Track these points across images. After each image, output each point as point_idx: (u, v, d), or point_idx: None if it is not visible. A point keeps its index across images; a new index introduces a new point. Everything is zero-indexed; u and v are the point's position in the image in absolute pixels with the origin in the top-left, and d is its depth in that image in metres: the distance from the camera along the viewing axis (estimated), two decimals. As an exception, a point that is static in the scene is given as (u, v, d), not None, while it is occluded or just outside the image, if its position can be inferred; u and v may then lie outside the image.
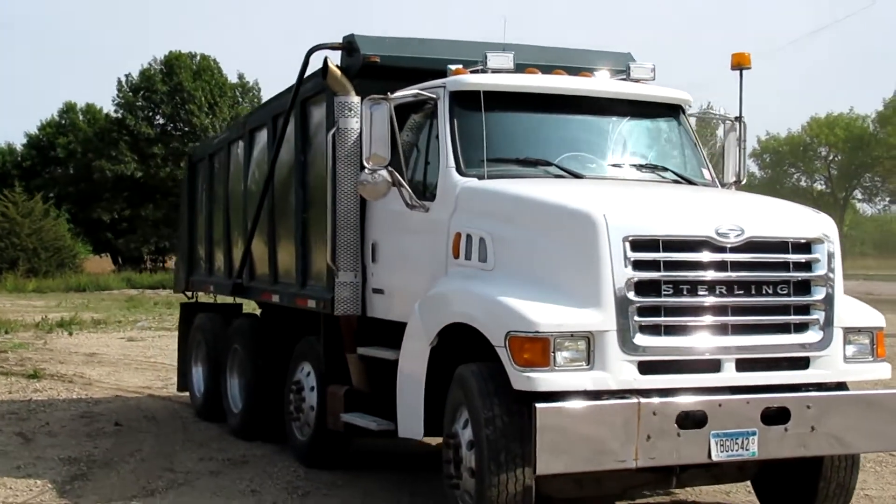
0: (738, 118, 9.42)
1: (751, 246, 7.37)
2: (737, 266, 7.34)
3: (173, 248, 67.39)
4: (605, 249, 7.07)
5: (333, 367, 9.81)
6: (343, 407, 9.38)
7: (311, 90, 10.08)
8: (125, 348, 22.49)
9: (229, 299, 14.00)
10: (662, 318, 7.16)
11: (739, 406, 7.19)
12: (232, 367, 12.29)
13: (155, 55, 72.34)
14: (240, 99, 70.31)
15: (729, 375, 7.29)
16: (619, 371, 7.03)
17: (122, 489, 9.45)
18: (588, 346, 6.99)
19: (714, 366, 7.27)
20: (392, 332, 9.23)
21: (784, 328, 7.46)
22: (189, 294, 14.62)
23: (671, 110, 9.16)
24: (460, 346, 7.80)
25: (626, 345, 7.04)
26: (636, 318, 7.07)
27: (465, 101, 8.51)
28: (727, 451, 7.15)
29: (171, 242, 65.47)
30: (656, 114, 9.09)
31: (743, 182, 9.50)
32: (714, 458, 7.13)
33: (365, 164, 8.37)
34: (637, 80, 9.11)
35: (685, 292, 7.22)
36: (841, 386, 7.84)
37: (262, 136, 11.53)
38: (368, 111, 8.34)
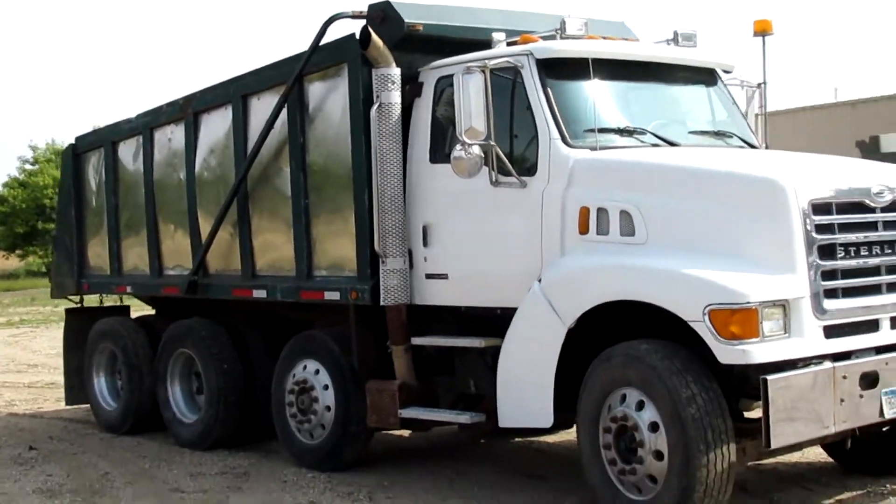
0: (761, 84, 9.37)
1: (896, 205, 7.33)
2: (888, 225, 7.28)
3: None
4: (796, 215, 6.81)
5: (366, 362, 8.95)
6: (399, 402, 8.54)
7: (316, 63, 9.08)
8: None
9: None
10: (840, 282, 6.98)
11: (897, 365, 7.14)
12: (174, 374, 10.96)
13: None
14: None
15: (885, 334, 7.22)
16: (812, 337, 6.81)
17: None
18: (784, 314, 6.69)
19: (874, 325, 7.17)
20: (435, 319, 8.63)
21: (920, 285, 7.47)
22: (74, 299, 12.95)
23: (714, 76, 8.97)
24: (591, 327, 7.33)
25: (818, 310, 6.82)
26: (822, 282, 6.85)
27: (552, 70, 7.94)
28: (894, 409, 7.08)
29: None
30: (708, 80, 8.88)
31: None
32: (886, 416, 7.04)
33: (462, 138, 7.60)
34: (683, 47, 8.88)
35: (853, 254, 7.09)
36: None
37: (219, 118, 10.31)
38: (463, 79, 7.60)
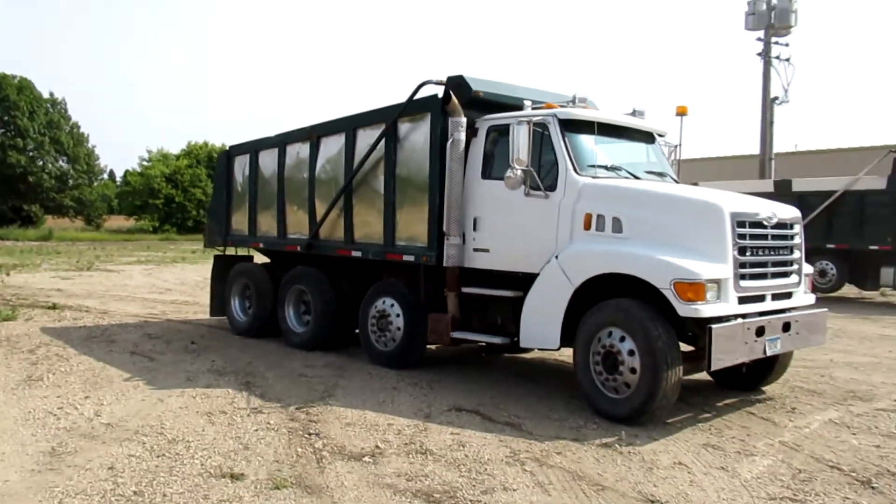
0: (677, 146, 9.34)
1: (778, 225, 7.38)
2: (774, 237, 7.33)
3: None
4: (728, 227, 6.83)
5: (429, 301, 8.78)
6: (451, 328, 8.40)
7: (408, 111, 8.83)
8: (74, 285, 18.85)
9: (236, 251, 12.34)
10: (748, 270, 7.02)
11: (775, 322, 7.20)
12: (290, 301, 10.66)
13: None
14: (50, 109, 60.83)
15: (768, 304, 7.28)
16: (732, 303, 6.83)
17: (300, 393, 7.89)
18: (718, 288, 6.69)
19: (762, 298, 7.21)
20: (477, 277, 8.43)
21: (785, 275, 7.53)
22: (220, 248, 12.49)
23: (654, 137, 8.90)
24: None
25: (736, 287, 6.84)
26: (739, 269, 6.88)
27: (568, 126, 7.83)
28: (771, 349, 7.15)
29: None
30: (652, 140, 8.81)
31: (676, 184, 9.38)
32: (767, 353, 7.12)
33: (512, 165, 7.49)
34: (640, 118, 8.81)
35: (755, 253, 7.12)
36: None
37: (334, 141, 9.96)
38: (516, 127, 7.47)
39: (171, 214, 57.55)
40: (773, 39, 30.02)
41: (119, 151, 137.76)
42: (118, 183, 76.72)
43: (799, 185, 19.05)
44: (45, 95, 60.68)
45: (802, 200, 16.80)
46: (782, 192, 17.87)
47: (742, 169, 32.42)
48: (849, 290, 19.76)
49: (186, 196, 57.71)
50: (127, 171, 65.21)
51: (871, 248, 17.76)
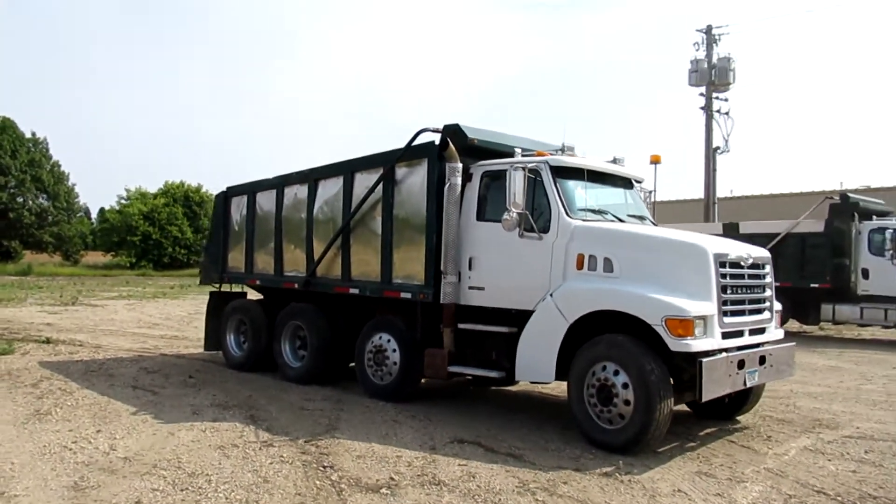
0: (652, 191, 9.47)
1: (753, 265, 7.50)
2: (750, 276, 7.44)
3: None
4: (713, 268, 6.90)
5: (425, 336, 8.67)
6: (448, 362, 8.29)
7: (406, 156, 8.81)
8: (62, 319, 18.18)
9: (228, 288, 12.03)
10: (730, 307, 7.09)
11: (753, 356, 7.27)
12: (286, 336, 10.41)
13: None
14: (32, 148, 59.38)
15: (746, 339, 7.34)
16: (717, 338, 6.88)
17: (305, 426, 7.67)
18: (705, 324, 6.74)
19: (741, 333, 7.27)
20: (471, 313, 8.35)
21: (760, 311, 7.63)
22: (216, 285, 12.17)
23: (632, 183, 8.99)
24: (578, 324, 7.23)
25: (720, 322, 6.90)
26: (722, 307, 6.95)
27: (558, 172, 7.89)
28: (750, 381, 7.21)
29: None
30: (631, 185, 8.91)
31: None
32: (747, 384, 7.18)
33: (509, 208, 7.50)
34: (621, 165, 8.92)
35: (735, 291, 7.21)
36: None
37: (332, 184, 9.85)
38: (512, 173, 7.50)
39: (147, 251, 56.39)
40: (714, 95, 30.97)
41: (94, 189, 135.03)
42: (93, 221, 75.08)
43: (745, 227, 19.49)
44: (28, 135, 59.46)
45: (749, 241, 17.13)
46: (730, 234, 18.24)
47: (687, 212, 33.11)
48: (791, 325, 20.16)
49: (163, 234, 56.65)
50: (103, 209, 64.13)
51: (812, 285, 18.19)
